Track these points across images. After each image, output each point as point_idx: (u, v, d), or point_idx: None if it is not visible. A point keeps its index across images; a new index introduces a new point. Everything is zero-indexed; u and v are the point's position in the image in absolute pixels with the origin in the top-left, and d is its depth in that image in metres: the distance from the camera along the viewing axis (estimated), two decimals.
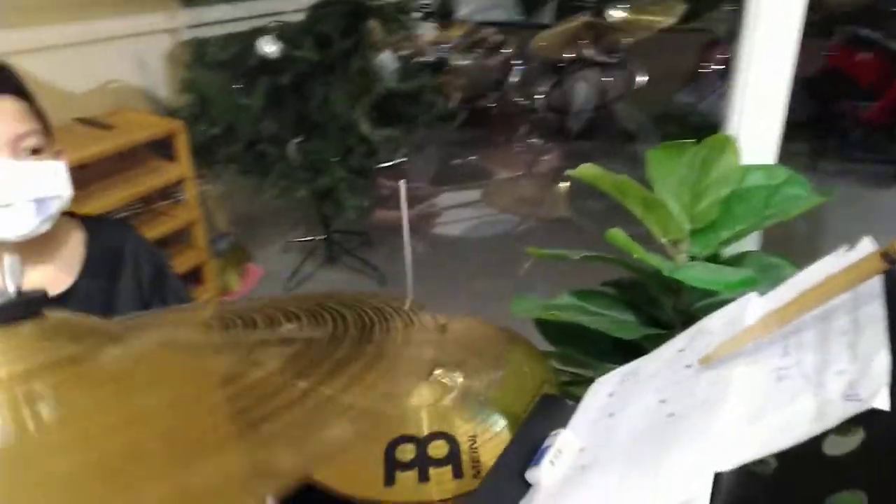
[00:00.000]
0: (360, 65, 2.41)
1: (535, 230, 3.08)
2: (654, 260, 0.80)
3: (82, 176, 2.41)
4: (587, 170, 0.89)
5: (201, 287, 2.74)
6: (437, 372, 0.91)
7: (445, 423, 0.83)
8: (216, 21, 3.08)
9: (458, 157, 3.54)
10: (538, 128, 3.13)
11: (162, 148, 2.63)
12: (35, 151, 0.98)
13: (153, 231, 2.49)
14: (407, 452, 0.79)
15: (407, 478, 0.76)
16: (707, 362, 0.61)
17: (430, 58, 3.51)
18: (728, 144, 0.97)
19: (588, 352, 0.97)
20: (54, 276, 1.07)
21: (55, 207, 1.01)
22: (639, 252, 0.78)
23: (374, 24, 2.47)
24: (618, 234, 0.80)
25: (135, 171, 2.50)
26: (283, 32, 2.54)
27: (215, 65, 2.72)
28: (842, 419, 0.40)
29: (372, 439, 0.81)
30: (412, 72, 2.71)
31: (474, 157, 3.57)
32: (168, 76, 2.83)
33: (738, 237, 0.93)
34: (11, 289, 0.35)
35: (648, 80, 3.06)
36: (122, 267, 1.14)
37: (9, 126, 0.94)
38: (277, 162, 2.80)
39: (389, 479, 0.76)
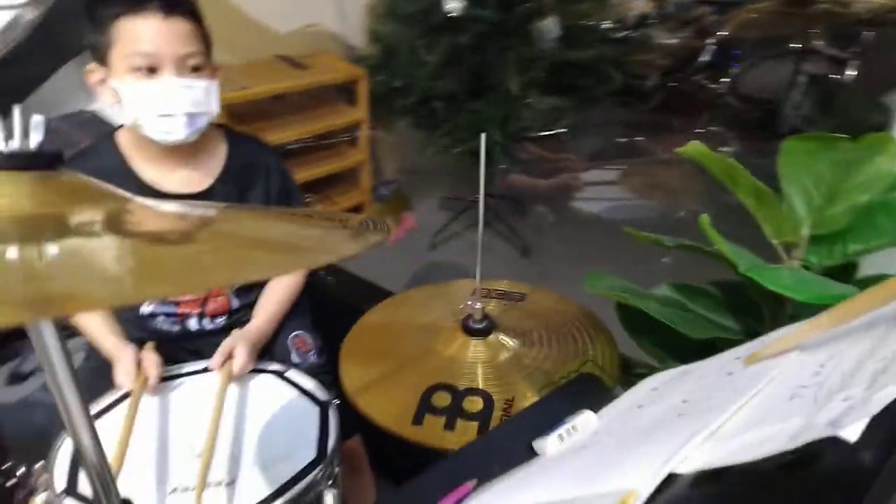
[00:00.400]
0: (524, 30, 2.37)
1: (683, 220, 2.84)
2: (740, 256, 0.71)
3: (274, 106, 2.69)
4: (696, 147, 0.80)
5: None
6: (499, 334, 0.90)
7: (488, 381, 0.83)
8: None
9: (623, 136, 3.36)
10: (721, 115, 2.84)
11: (345, 92, 2.83)
12: (195, 69, 1.10)
13: (325, 166, 2.72)
14: (442, 399, 0.81)
15: (435, 422, 0.78)
16: (752, 362, 0.54)
17: (631, 32, 3.33)
18: (887, 146, 0.81)
19: (665, 347, 0.90)
20: (196, 177, 1.21)
21: (204, 121, 1.14)
22: (720, 243, 0.70)
23: None
24: (704, 220, 0.72)
25: (319, 109, 2.73)
26: None
27: (403, 18, 2.84)
28: (807, 441, 0.33)
29: (413, 381, 0.84)
30: (591, 41, 2.60)
31: (641, 138, 3.36)
32: (363, 25, 3.01)
33: (870, 251, 0.79)
34: (33, 144, 0.42)
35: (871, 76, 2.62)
36: (254, 179, 1.27)
37: (177, 46, 1.07)
38: (446, 120, 2.87)
39: (418, 419, 0.79)
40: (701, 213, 0.73)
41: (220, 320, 1.28)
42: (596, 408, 0.67)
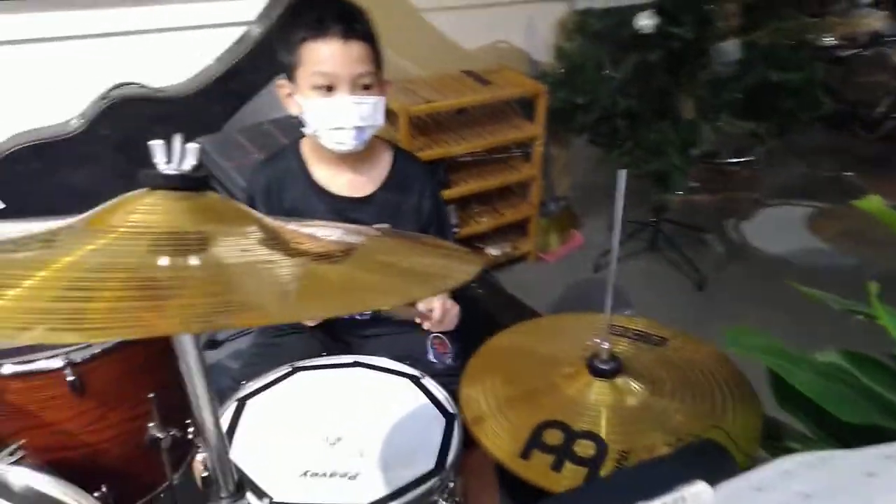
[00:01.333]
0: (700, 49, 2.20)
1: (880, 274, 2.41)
2: None
3: (456, 119, 2.80)
4: (874, 203, 0.70)
5: (523, 239, 2.95)
6: (626, 378, 0.86)
7: (605, 427, 0.79)
8: None
9: (829, 170, 2.94)
10: None
11: (525, 107, 2.85)
12: (366, 87, 1.21)
13: (497, 178, 2.77)
14: (554, 437, 0.79)
15: (542, 460, 0.76)
16: None
17: (862, 51, 2.95)
18: None
19: (821, 424, 0.78)
20: (362, 183, 1.34)
21: (370, 133, 1.25)
22: (882, 314, 0.60)
23: (729, 7, 2.20)
24: (871, 287, 0.62)
25: (497, 124, 2.79)
26: (665, 7, 2.46)
27: (591, 35, 2.80)
28: None
29: (528, 413, 0.83)
30: (799, 61, 2.33)
31: (850, 174, 2.93)
32: (550, 42, 3.02)
33: None
34: (187, 166, 0.49)
35: None
36: (410, 189, 1.37)
37: (352, 67, 1.18)
38: (626, 139, 2.78)
39: (525, 454, 0.77)
40: None
41: (368, 314, 1.39)
42: (715, 481, 0.61)
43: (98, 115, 1.95)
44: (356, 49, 1.18)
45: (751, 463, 0.72)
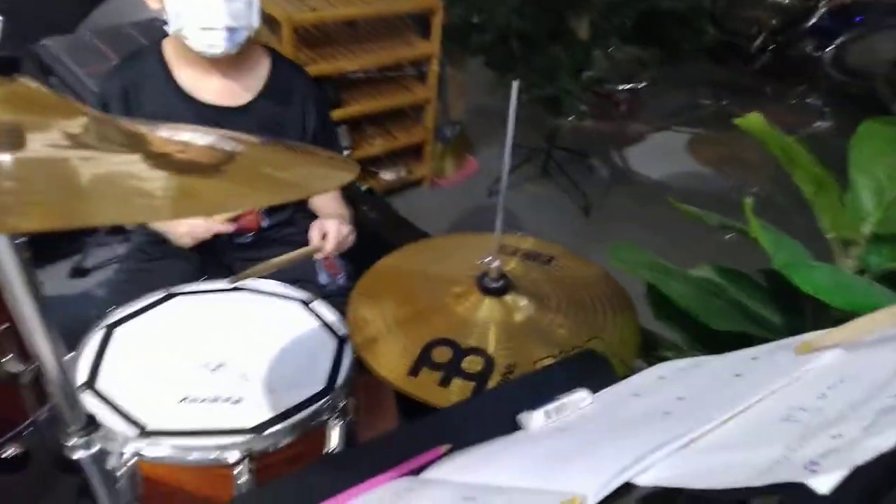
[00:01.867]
0: None
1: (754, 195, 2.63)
2: (780, 247, 0.64)
3: (344, 32, 2.64)
4: (755, 121, 0.71)
5: (418, 163, 2.90)
6: (514, 295, 0.86)
7: (492, 344, 0.80)
8: None
9: (709, 98, 3.11)
10: (821, 86, 2.57)
11: (419, 23, 2.73)
12: None
13: (389, 99, 2.67)
14: (443, 355, 0.78)
15: (430, 377, 0.76)
16: (804, 351, 0.48)
17: None
18: None
19: (693, 334, 0.83)
20: (237, 91, 1.23)
21: (244, 35, 1.14)
22: (758, 231, 0.63)
23: None
24: (746, 203, 0.65)
25: (389, 40, 2.66)
26: None
27: None
28: (775, 482, 0.28)
29: (417, 332, 0.81)
30: None
31: (726, 102, 3.10)
32: None
33: None
34: None
35: None
36: (292, 100, 1.27)
37: None
38: (522, 62, 2.75)
39: (414, 372, 0.77)
40: (775, 195, 0.65)
41: (250, 236, 1.32)
42: (595, 388, 0.63)
43: None
44: None
45: (629, 372, 0.76)
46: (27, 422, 1.28)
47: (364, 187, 2.61)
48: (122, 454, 0.83)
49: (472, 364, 0.77)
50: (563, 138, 2.89)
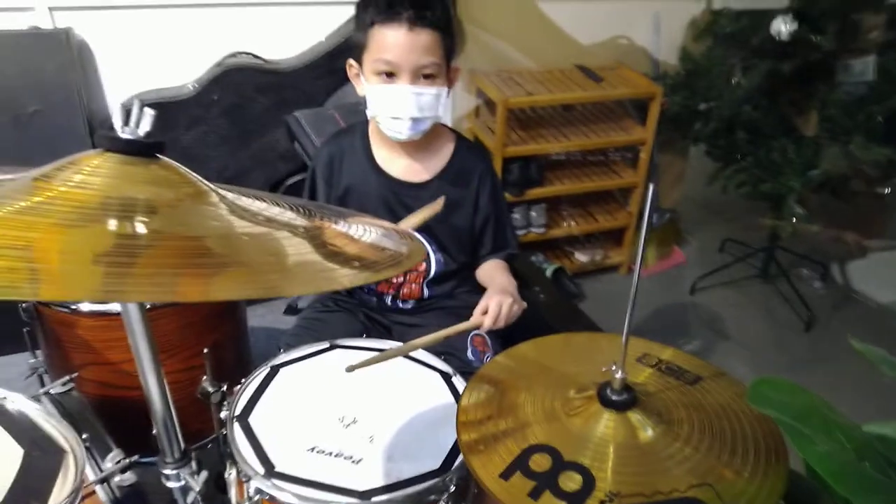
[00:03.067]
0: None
1: None
2: None
3: (561, 115, 2.71)
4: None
5: (617, 248, 2.81)
6: (638, 414, 0.78)
7: (599, 463, 0.72)
8: None
9: None
10: None
11: (638, 109, 2.70)
12: (428, 77, 1.18)
13: (594, 182, 2.64)
14: (541, 463, 0.73)
15: (521, 484, 0.71)
16: None
17: None
18: None
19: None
20: (419, 170, 1.33)
21: (427, 124, 1.23)
22: None
23: (873, 19, 1.90)
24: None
25: (604, 123, 2.66)
26: (805, 12, 2.21)
27: (723, 37, 2.58)
28: None
29: (522, 431, 0.77)
30: None
31: None
32: (676, 43, 2.82)
33: None
34: (142, 132, 0.49)
35: None
36: (468, 181, 1.34)
37: (416, 57, 1.15)
38: (746, 154, 2.55)
39: (506, 475, 0.72)
40: None
41: (411, 304, 1.39)
42: None
43: (210, 81, 2.08)
44: (423, 38, 1.15)
45: None
46: (212, 436, 1.47)
47: (554, 267, 2.60)
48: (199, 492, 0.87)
49: (568, 481, 0.70)
50: (789, 239, 2.58)
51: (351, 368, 1.06)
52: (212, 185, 0.54)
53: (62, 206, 0.44)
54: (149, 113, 0.50)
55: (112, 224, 0.47)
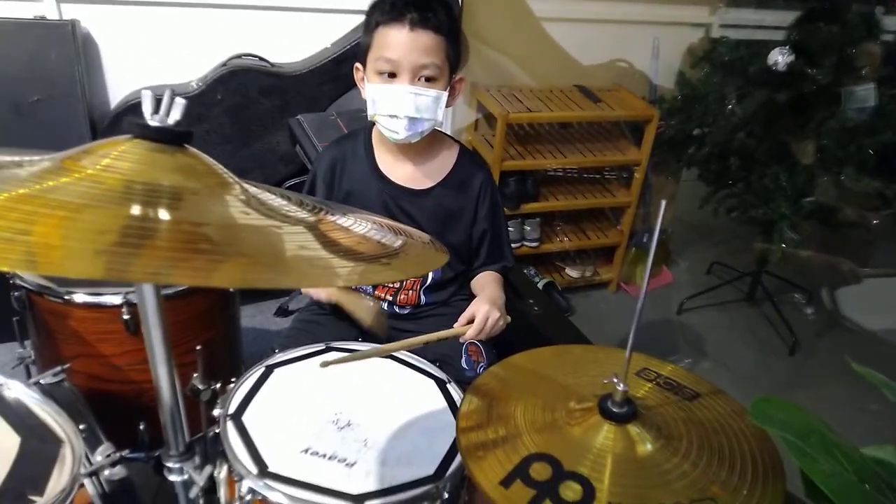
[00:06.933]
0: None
1: None
2: None
3: (559, 133, 2.74)
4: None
5: (607, 266, 2.83)
6: (638, 427, 0.78)
7: (599, 473, 0.73)
8: (753, 24, 2.94)
9: None
10: None
11: (634, 131, 2.74)
12: (429, 79, 1.19)
13: (588, 199, 2.67)
14: (541, 472, 0.73)
15: (521, 493, 0.71)
16: None
17: None
18: None
19: None
20: (421, 177, 1.33)
21: (425, 126, 1.22)
22: None
23: (871, 48, 1.96)
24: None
25: (601, 144, 2.69)
26: (803, 45, 2.26)
27: (720, 65, 2.63)
28: None
29: (523, 439, 0.78)
30: None
31: None
32: (674, 68, 2.87)
33: None
34: (171, 120, 0.50)
35: None
36: (469, 191, 1.35)
37: (416, 57, 1.16)
38: (738, 180, 2.59)
39: (506, 482, 0.73)
40: None
41: (407, 309, 1.39)
42: None
43: (215, 80, 2.08)
44: (424, 39, 1.16)
45: None
46: (199, 434, 1.46)
47: (545, 281, 2.62)
48: (202, 487, 0.87)
49: (568, 491, 0.71)
50: (776, 265, 2.63)
51: (325, 364, 1.06)
52: (236, 178, 0.54)
53: (89, 188, 0.44)
54: (179, 102, 0.51)
55: (136, 209, 0.47)
